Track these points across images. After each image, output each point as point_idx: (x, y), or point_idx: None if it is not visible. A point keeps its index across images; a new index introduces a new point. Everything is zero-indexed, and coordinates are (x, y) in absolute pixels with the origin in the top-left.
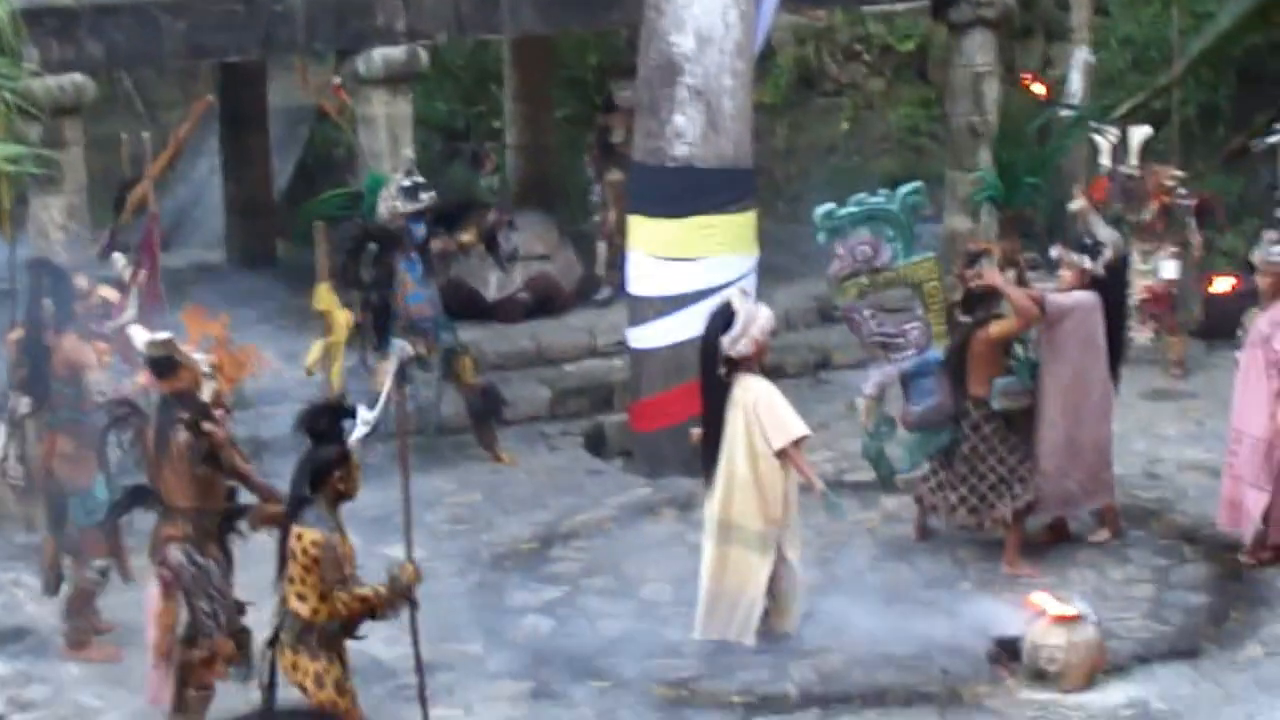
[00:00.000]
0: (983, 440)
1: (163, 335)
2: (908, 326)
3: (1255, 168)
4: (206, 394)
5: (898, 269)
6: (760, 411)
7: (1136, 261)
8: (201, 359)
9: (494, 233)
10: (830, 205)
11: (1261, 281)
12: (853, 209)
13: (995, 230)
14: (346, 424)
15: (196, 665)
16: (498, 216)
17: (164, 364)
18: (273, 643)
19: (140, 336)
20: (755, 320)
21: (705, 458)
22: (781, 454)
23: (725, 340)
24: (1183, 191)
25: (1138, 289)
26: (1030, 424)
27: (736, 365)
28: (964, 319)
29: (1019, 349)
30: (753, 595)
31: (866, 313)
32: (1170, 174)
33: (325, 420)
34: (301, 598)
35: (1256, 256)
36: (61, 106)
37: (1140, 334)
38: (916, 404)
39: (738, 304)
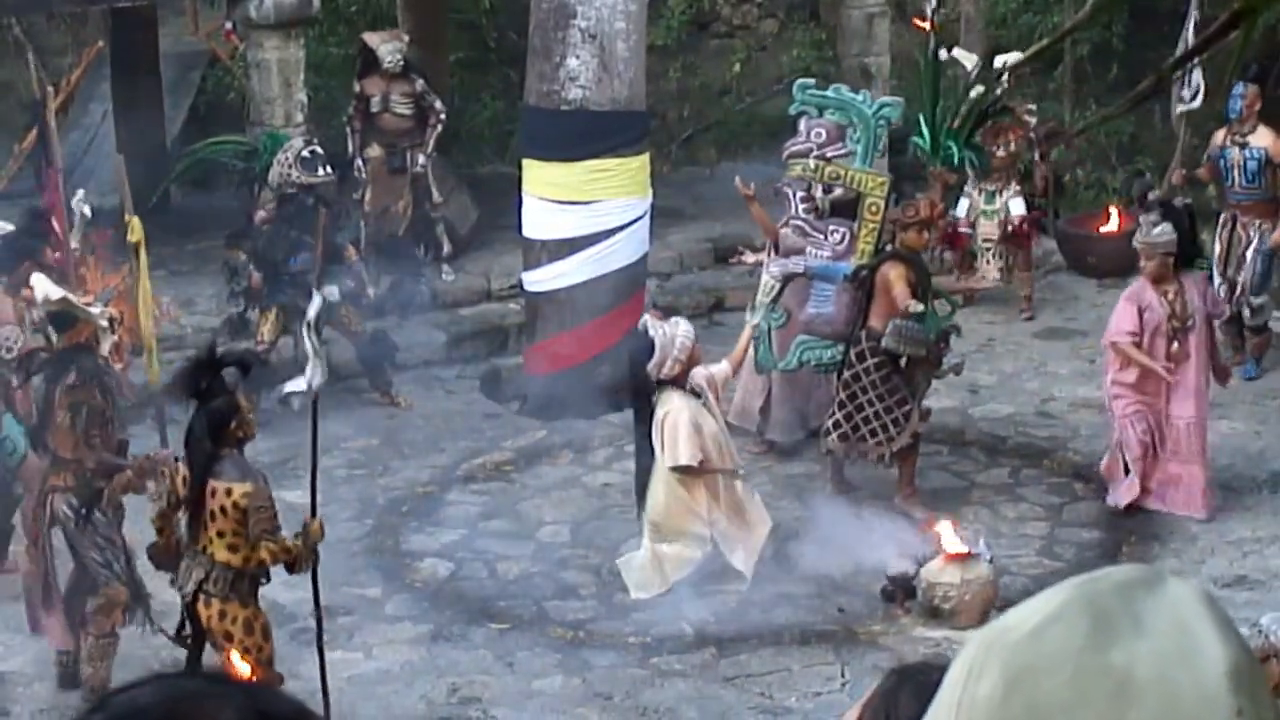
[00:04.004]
0: (865, 372)
1: (58, 292)
2: (832, 227)
3: (1147, 106)
4: (106, 347)
5: (848, 169)
6: (665, 432)
7: (979, 203)
8: (101, 311)
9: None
10: (811, 80)
11: (1151, 267)
12: (829, 94)
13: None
14: (227, 373)
15: (95, 614)
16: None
17: (61, 318)
18: (194, 597)
19: (41, 289)
20: (674, 340)
21: (640, 486)
22: (682, 470)
23: (651, 369)
24: (1032, 135)
25: (984, 229)
26: (924, 374)
27: (669, 382)
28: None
29: (934, 302)
30: (662, 581)
31: (799, 194)
32: (1027, 107)
33: (205, 377)
34: (233, 549)
35: (1139, 243)
36: None
37: (989, 272)
38: (813, 308)
39: (653, 330)
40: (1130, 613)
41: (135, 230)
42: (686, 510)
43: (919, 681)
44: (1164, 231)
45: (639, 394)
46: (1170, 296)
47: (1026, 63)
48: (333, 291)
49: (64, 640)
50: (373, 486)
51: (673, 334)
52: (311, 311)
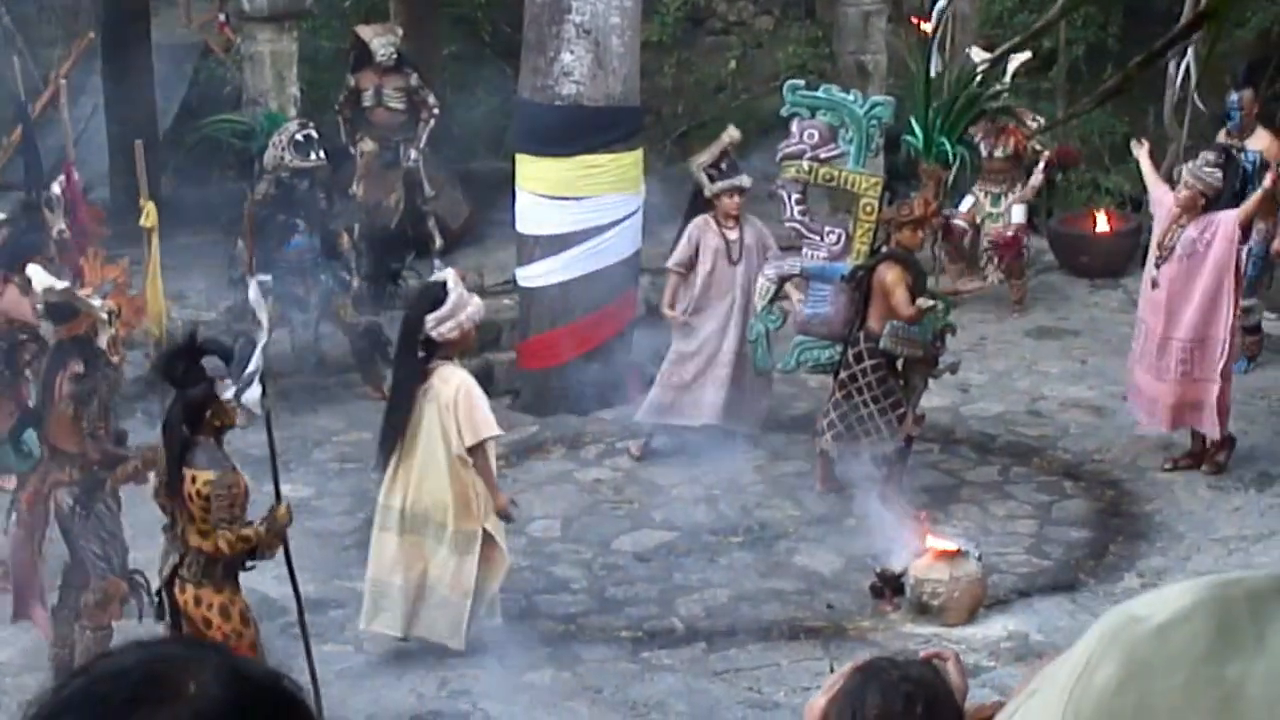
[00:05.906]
0: (861, 373)
1: (60, 283)
2: (829, 229)
3: (1141, 106)
4: (104, 340)
5: (841, 170)
6: (459, 406)
7: (984, 205)
8: (100, 304)
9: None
10: (802, 82)
11: (1182, 194)
12: (820, 94)
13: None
14: (206, 361)
15: (91, 607)
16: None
17: (61, 309)
18: (169, 583)
19: (40, 280)
20: (465, 307)
21: (386, 440)
22: (471, 451)
23: (430, 319)
24: (1038, 146)
25: (989, 231)
26: (921, 374)
27: (436, 349)
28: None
29: (937, 304)
30: (460, 595)
31: (795, 196)
32: (1032, 116)
33: (182, 364)
34: (204, 535)
35: (1187, 169)
36: None
37: (993, 275)
38: (810, 308)
39: (451, 285)
40: (1256, 626)
41: (150, 216)
42: (469, 500)
43: (883, 680)
44: (1210, 174)
45: (406, 338)
46: (1176, 225)
47: (1004, 56)
48: (266, 281)
49: (51, 632)
50: (364, 480)
51: (467, 299)
52: (253, 294)
